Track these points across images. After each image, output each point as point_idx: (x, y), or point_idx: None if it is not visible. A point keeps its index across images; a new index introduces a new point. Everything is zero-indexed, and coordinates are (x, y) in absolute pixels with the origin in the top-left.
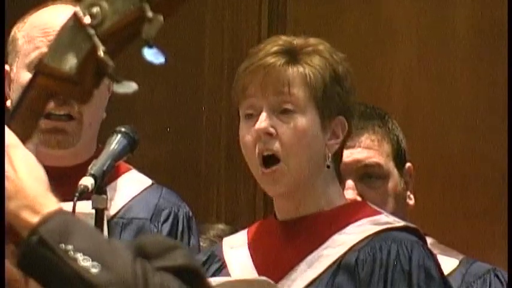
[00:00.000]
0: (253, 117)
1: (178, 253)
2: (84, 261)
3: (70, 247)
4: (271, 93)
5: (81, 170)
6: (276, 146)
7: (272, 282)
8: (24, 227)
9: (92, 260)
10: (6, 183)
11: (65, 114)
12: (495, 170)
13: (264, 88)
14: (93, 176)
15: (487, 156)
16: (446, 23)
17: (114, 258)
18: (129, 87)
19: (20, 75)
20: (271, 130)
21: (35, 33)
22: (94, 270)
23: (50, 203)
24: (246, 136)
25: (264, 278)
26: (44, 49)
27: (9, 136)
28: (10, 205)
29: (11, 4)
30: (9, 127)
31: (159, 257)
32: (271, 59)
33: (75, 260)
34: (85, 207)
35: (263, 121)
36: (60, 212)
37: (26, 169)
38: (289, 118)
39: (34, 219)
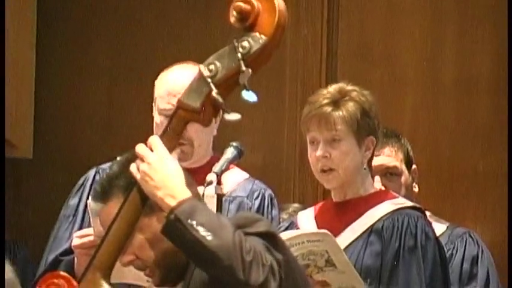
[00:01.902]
0: (314, 144)
1: (262, 223)
2: (203, 232)
3: (194, 222)
4: (324, 130)
5: (202, 169)
6: (330, 163)
7: (329, 233)
8: (166, 208)
9: (208, 231)
10: (158, 178)
11: (181, 143)
12: (470, 169)
13: (320, 127)
14: (215, 173)
15: (464, 160)
16: (439, 77)
17: (222, 230)
18: (235, 116)
19: (154, 115)
20: (327, 154)
21: (163, 93)
22: (209, 238)
23: (184, 193)
24: (311, 156)
25: (324, 230)
26: (165, 105)
27: (162, 148)
28: (159, 193)
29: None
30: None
31: (249, 226)
32: (323, 109)
33: (198, 231)
34: (210, 191)
35: (321, 149)
36: (189, 198)
37: (171, 170)
38: (337, 145)
39: (173, 203)
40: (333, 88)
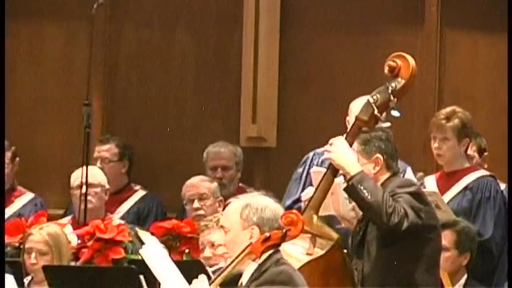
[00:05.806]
0: (434, 139)
1: (413, 187)
2: (366, 193)
3: (362, 187)
4: (439, 133)
5: None
6: (441, 151)
7: (437, 191)
8: (348, 176)
9: (369, 193)
10: (342, 158)
11: None
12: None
13: (437, 131)
14: None
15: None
16: None
17: (377, 193)
18: (387, 124)
19: (350, 119)
20: (439, 146)
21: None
22: (369, 197)
23: (357, 167)
24: (432, 146)
25: (434, 190)
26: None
27: (344, 141)
28: (342, 163)
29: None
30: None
31: (406, 187)
32: (440, 120)
33: (364, 192)
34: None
35: (437, 143)
36: (360, 172)
37: (350, 154)
38: (446, 142)
39: (352, 172)
40: (448, 108)
